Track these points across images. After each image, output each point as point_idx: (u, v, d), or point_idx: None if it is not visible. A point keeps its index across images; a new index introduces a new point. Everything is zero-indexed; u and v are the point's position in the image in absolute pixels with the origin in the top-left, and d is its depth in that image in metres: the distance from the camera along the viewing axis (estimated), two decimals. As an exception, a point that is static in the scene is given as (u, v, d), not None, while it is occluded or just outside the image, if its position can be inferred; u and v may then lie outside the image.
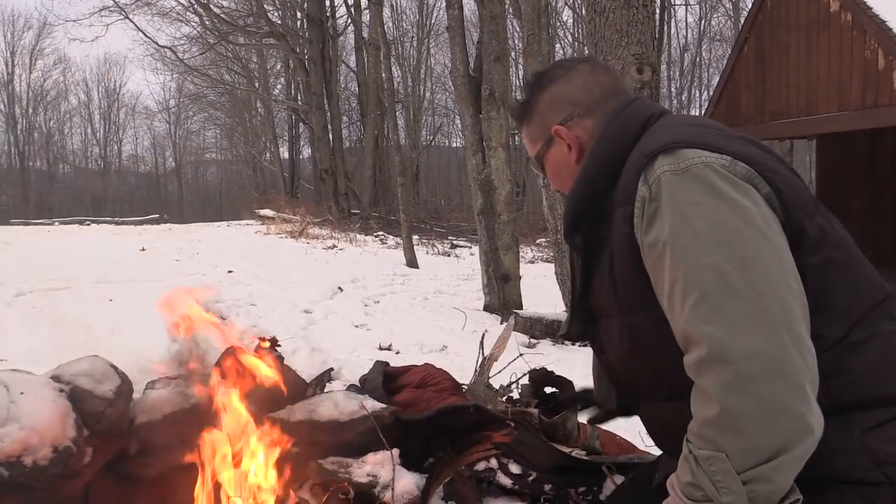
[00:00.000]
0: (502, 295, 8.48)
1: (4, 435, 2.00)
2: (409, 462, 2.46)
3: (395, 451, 2.42)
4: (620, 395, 1.62)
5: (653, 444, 1.66)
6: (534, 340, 6.62)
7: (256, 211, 20.91)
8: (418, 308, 8.36)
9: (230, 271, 10.00)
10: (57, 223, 22.01)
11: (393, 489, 2.31)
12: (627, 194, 1.32)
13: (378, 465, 2.38)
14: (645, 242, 1.27)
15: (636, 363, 1.44)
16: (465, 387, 2.91)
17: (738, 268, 1.16)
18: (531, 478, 2.41)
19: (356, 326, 6.87)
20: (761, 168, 1.27)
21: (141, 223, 22.30)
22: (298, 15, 26.06)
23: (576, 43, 29.44)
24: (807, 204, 1.30)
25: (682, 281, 1.19)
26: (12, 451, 1.99)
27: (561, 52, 27.96)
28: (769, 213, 1.23)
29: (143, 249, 12.37)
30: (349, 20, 26.35)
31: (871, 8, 9.25)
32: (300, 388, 2.70)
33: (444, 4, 10.14)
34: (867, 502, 1.19)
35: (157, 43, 25.52)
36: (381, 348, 5.98)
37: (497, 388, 2.97)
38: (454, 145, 39.25)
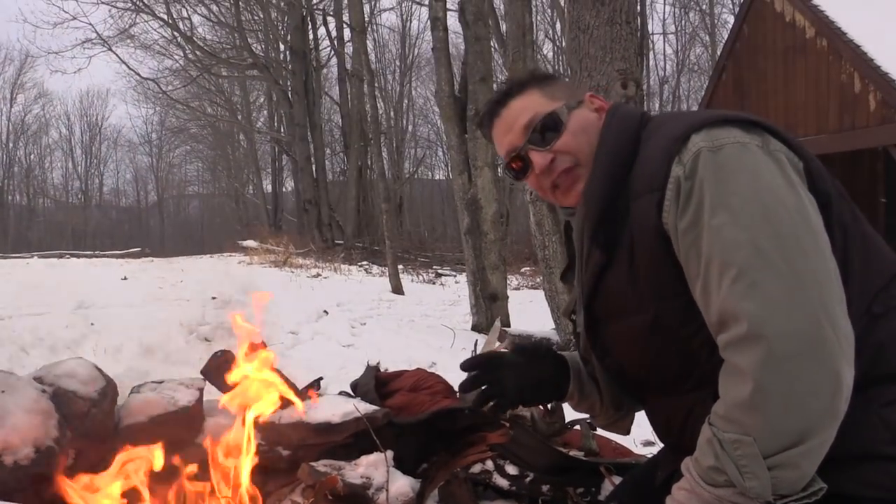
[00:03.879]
0: (490, 315, 8.46)
1: (-16, 433, 1.93)
2: (402, 467, 2.39)
3: (389, 453, 2.35)
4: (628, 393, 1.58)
5: (646, 450, 1.63)
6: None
7: (239, 242, 20.76)
8: (406, 328, 8.28)
9: (214, 297, 9.87)
10: (35, 256, 21.66)
11: (387, 491, 2.24)
12: (654, 181, 1.28)
13: (371, 467, 2.32)
14: (679, 226, 1.24)
15: (659, 356, 1.38)
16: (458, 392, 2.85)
17: (775, 244, 1.13)
18: (528, 479, 2.34)
19: (343, 346, 6.79)
20: (792, 145, 1.26)
21: (122, 256, 22.01)
22: (281, 47, 26.28)
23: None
24: (828, 179, 1.29)
25: (719, 258, 1.16)
26: (-8, 450, 1.91)
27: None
28: (804, 191, 1.21)
29: (125, 278, 12.20)
30: (332, 52, 26.62)
31: (846, 33, 9.46)
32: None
33: (427, 36, 10.25)
34: (885, 477, 1.17)
35: (139, 75, 25.58)
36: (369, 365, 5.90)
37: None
38: (437, 177, 39.53)
